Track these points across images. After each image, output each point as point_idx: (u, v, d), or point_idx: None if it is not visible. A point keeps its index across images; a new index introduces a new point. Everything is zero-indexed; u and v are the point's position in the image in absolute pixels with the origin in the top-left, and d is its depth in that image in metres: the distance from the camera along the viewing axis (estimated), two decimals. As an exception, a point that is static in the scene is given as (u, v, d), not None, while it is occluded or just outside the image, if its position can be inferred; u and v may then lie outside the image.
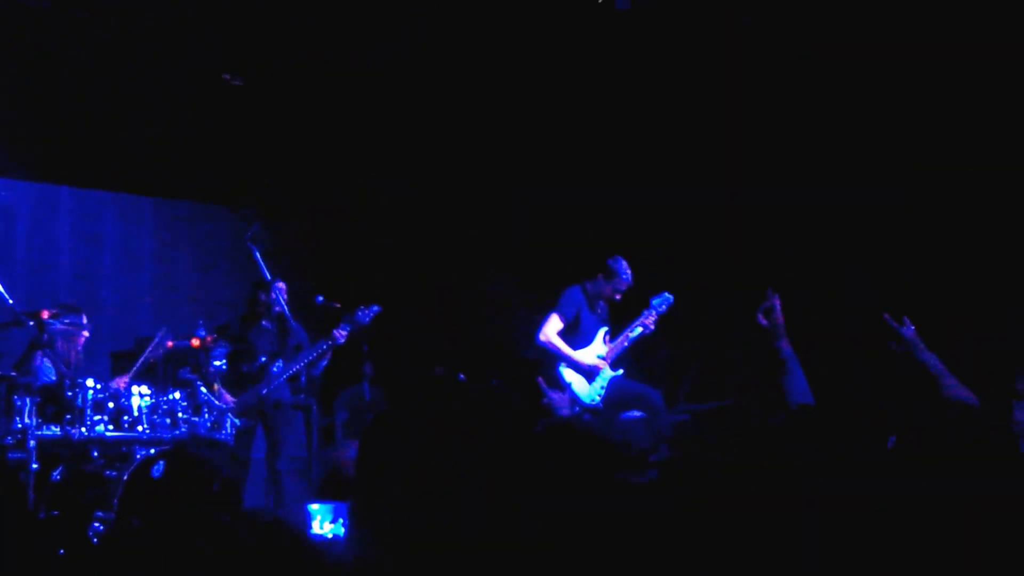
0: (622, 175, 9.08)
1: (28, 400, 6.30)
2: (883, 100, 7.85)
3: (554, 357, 7.84)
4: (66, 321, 7.02)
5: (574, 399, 7.81)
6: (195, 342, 7.31)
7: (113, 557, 2.11)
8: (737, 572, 2.55)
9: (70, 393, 6.46)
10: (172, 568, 1.95)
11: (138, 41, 8.17)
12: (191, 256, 9.90)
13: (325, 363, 8.00)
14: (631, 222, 8.96)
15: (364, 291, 8.77)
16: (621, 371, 7.94)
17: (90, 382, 6.57)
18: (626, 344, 7.94)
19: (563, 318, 7.84)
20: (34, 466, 6.13)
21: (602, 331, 7.96)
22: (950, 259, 7.61)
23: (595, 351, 7.90)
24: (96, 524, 6.16)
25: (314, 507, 7.29)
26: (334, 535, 6.42)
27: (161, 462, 6.40)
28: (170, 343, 7.54)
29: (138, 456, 6.43)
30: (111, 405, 6.61)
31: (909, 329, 5.08)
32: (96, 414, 6.53)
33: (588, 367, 7.84)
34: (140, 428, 6.67)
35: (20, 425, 6.24)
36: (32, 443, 6.16)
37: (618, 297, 7.94)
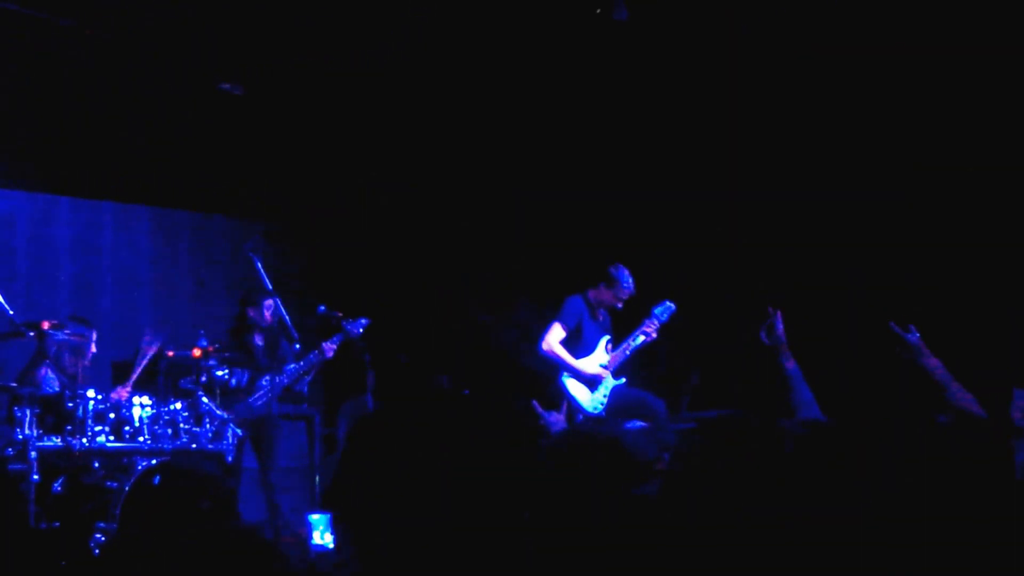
0: (624, 182, 9.07)
1: (29, 411, 6.28)
2: (887, 102, 7.84)
3: (556, 366, 7.82)
4: (67, 332, 6.99)
5: (576, 408, 7.80)
6: (196, 352, 7.28)
7: (114, 568, 2.09)
8: None
9: (71, 404, 6.44)
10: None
11: (137, 50, 8.17)
12: (191, 266, 9.88)
13: (310, 378, 7.98)
14: (633, 230, 8.95)
15: (366, 300, 8.76)
16: (623, 379, 7.92)
17: (91, 393, 6.55)
18: (628, 353, 7.92)
19: (565, 327, 7.83)
20: (35, 477, 6.09)
21: (604, 340, 7.95)
22: (954, 262, 7.59)
23: (597, 360, 7.88)
24: (97, 535, 6.13)
25: (315, 517, 7.29)
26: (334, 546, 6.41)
27: (157, 475, 6.38)
28: (170, 352, 7.52)
29: (139, 467, 6.40)
30: (112, 416, 6.58)
31: (914, 336, 5.07)
32: (97, 425, 6.51)
33: (590, 376, 7.82)
34: (141, 439, 6.65)
35: (21, 436, 6.21)
36: (33, 454, 6.13)
37: (620, 305, 7.93)
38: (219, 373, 7.33)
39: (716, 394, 8.46)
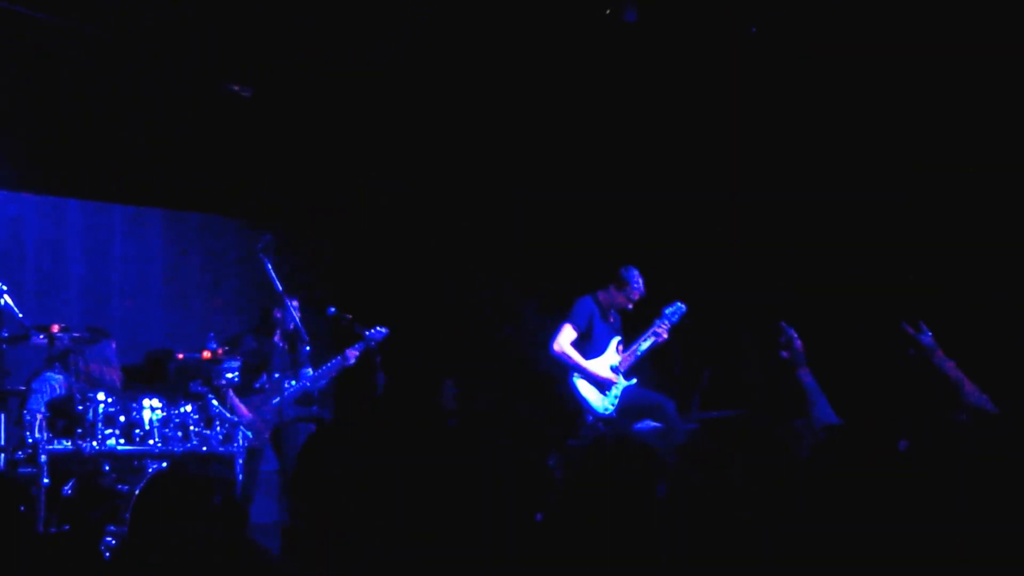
0: (635, 183, 9.05)
1: (38, 414, 6.27)
2: (904, 100, 7.81)
3: (567, 368, 7.80)
4: (76, 335, 6.97)
5: (587, 409, 7.78)
6: (206, 354, 7.27)
7: (124, 572, 2.08)
8: None
9: (81, 407, 6.43)
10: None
11: (146, 52, 8.16)
12: (201, 268, 9.86)
13: (325, 381, 8.01)
14: (643, 230, 8.93)
15: (377, 301, 8.75)
16: (635, 381, 7.90)
17: (101, 395, 6.54)
18: (639, 354, 7.90)
19: (576, 328, 7.81)
20: (45, 481, 6.08)
21: (615, 341, 7.93)
22: (966, 263, 7.56)
23: (608, 361, 7.86)
24: (108, 539, 6.12)
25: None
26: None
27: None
28: (180, 354, 7.52)
29: (150, 470, 6.39)
30: (122, 419, 6.58)
31: (927, 336, 5.06)
32: (107, 428, 6.50)
33: (601, 377, 7.80)
34: (152, 441, 6.63)
35: (31, 440, 6.21)
36: (43, 458, 6.12)
37: (630, 307, 7.91)
38: (229, 375, 7.32)
39: (727, 394, 8.44)
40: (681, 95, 8.61)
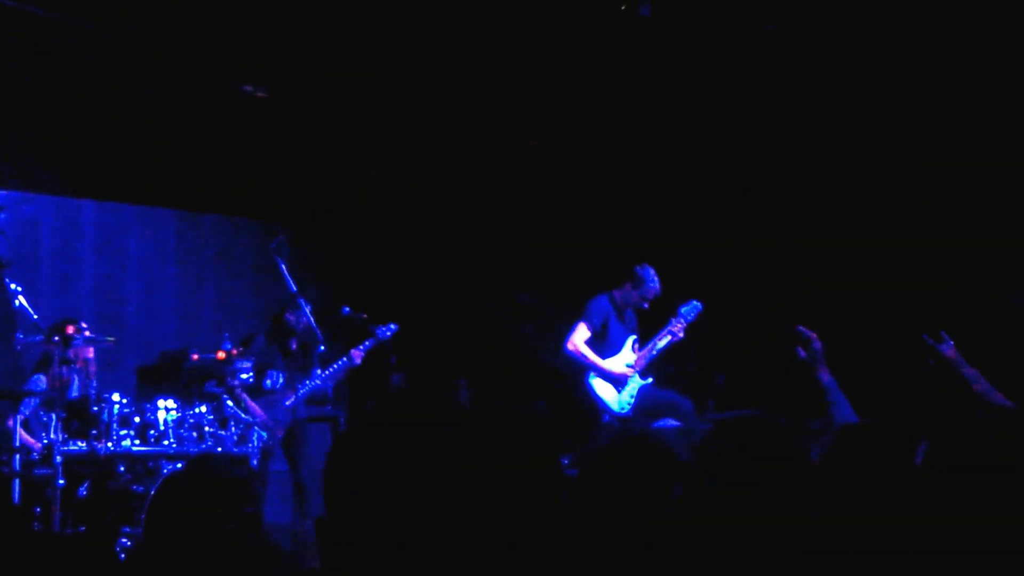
0: (650, 181, 9.01)
1: (54, 416, 6.27)
2: (929, 98, 7.74)
3: (582, 366, 7.76)
4: (91, 335, 6.97)
5: (603, 409, 7.75)
6: (220, 355, 7.27)
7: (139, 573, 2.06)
8: None
9: (96, 408, 6.43)
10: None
11: (161, 54, 8.15)
12: (215, 269, 9.87)
13: (333, 383, 8.00)
14: (658, 228, 8.89)
15: (390, 301, 8.73)
16: (651, 379, 7.86)
17: (116, 396, 6.54)
18: (655, 352, 7.86)
19: (591, 327, 7.78)
20: (60, 482, 6.08)
21: (630, 339, 7.89)
22: (986, 260, 7.50)
23: (624, 360, 7.82)
24: (123, 540, 6.11)
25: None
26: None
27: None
28: (195, 355, 7.52)
29: (165, 471, 6.39)
30: (137, 420, 6.58)
31: (949, 346, 5.01)
32: (122, 429, 6.50)
33: (617, 376, 7.77)
34: (166, 442, 6.63)
35: (46, 441, 6.21)
36: (58, 459, 6.12)
37: (646, 305, 7.87)
38: (244, 376, 7.31)
39: (743, 394, 8.39)
40: (693, 91, 8.56)
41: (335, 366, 7.86)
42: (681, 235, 8.84)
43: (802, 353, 4.63)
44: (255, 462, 7.00)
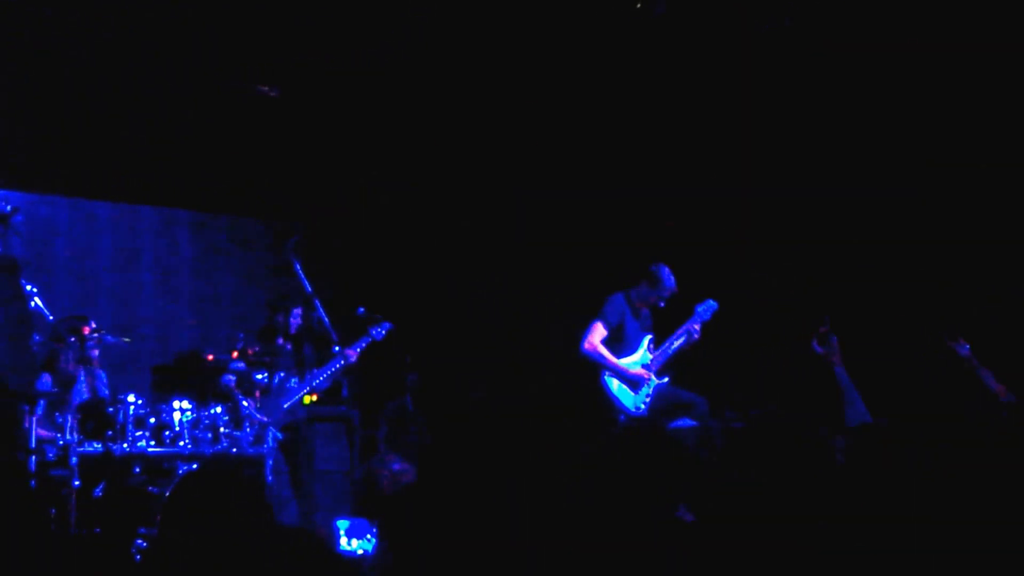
0: (670, 180, 9.00)
1: (69, 417, 6.29)
2: (941, 97, 7.71)
3: (598, 366, 7.74)
4: (106, 335, 6.98)
5: (619, 408, 7.72)
6: (235, 355, 7.28)
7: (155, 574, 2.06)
8: None
9: (111, 409, 6.44)
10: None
11: (175, 56, 8.17)
12: (230, 270, 9.89)
13: (329, 382, 7.96)
14: (657, 228, 8.89)
15: (404, 301, 8.73)
16: (667, 379, 7.84)
17: (131, 397, 6.55)
18: (671, 352, 7.84)
19: (607, 326, 7.75)
20: (76, 483, 6.09)
21: (646, 339, 7.86)
22: (996, 259, 7.46)
23: (640, 359, 7.80)
24: (139, 540, 6.11)
25: (343, 522, 7.26)
26: (363, 551, 6.34)
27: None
28: (210, 356, 7.52)
29: (180, 471, 6.39)
30: (152, 420, 6.58)
31: (964, 348, 5.01)
32: (138, 430, 6.51)
33: (633, 375, 7.74)
34: (182, 443, 6.64)
35: (62, 442, 6.22)
36: (74, 460, 6.13)
37: (662, 304, 7.85)
38: (258, 376, 7.31)
39: (759, 393, 8.37)
40: (693, 91, 8.53)
41: (330, 365, 7.82)
42: (681, 235, 8.82)
43: (818, 348, 4.60)
44: (271, 463, 7.00)
